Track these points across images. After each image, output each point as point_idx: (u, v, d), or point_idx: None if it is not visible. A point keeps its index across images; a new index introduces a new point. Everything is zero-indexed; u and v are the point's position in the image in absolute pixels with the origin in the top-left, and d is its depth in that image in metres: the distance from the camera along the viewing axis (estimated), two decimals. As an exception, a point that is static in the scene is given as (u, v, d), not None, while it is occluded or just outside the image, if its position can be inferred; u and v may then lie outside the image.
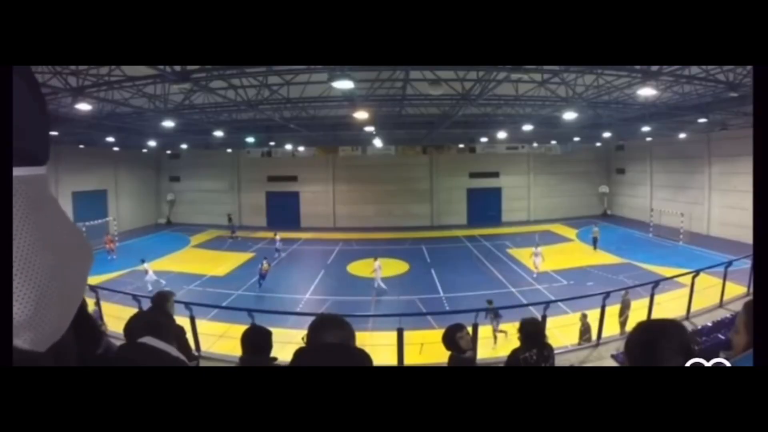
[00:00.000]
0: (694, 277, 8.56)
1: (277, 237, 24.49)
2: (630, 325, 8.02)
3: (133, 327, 2.53)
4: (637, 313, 8.89)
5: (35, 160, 0.49)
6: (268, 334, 2.63)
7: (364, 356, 1.02)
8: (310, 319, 1.69)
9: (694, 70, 11.52)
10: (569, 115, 15.43)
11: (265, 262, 18.26)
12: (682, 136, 24.37)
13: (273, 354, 2.71)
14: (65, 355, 0.55)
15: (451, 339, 3.64)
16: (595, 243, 23.17)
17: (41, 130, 0.51)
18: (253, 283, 18.18)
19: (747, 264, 9.20)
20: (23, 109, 0.48)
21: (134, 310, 5.02)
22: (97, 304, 8.79)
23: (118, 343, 1.91)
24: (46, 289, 0.48)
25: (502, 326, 11.20)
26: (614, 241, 24.30)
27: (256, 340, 2.54)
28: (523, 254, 22.35)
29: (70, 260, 0.52)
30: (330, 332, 1.47)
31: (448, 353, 3.69)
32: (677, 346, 1.13)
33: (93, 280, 11.57)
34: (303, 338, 1.53)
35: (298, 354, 1.27)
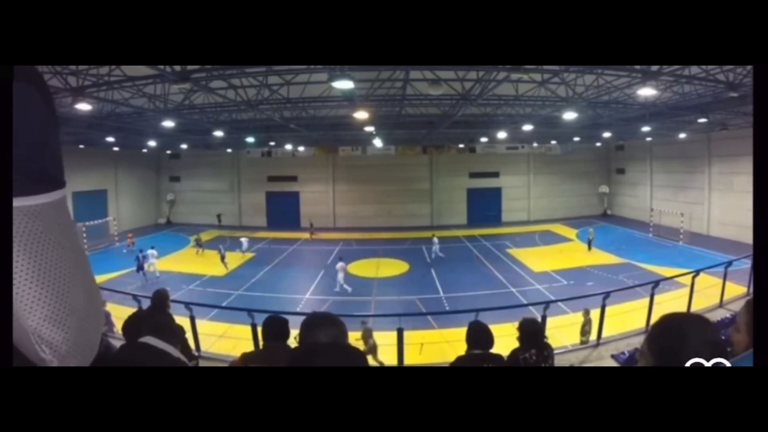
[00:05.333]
0: (694, 277, 8.55)
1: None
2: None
3: (135, 326, 2.55)
4: (638, 313, 8.89)
5: (60, 183, 0.47)
6: (285, 322, 2.86)
7: (359, 355, 1.02)
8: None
9: (694, 70, 11.52)
10: (569, 115, 15.43)
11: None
12: (682, 136, 24.39)
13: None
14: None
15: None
16: (590, 244, 23.24)
17: (59, 151, 0.49)
18: (253, 283, 18.18)
19: (747, 264, 9.19)
20: (51, 134, 0.46)
21: (134, 310, 5.02)
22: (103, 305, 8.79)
23: (118, 343, 1.91)
24: (86, 312, 0.47)
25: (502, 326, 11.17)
26: (614, 241, 24.32)
27: (275, 329, 2.76)
28: (522, 254, 22.38)
29: (91, 275, 0.51)
30: (323, 331, 1.47)
31: (456, 355, 3.59)
32: (705, 341, 1.10)
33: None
34: (295, 337, 1.53)
35: (292, 353, 1.26)
